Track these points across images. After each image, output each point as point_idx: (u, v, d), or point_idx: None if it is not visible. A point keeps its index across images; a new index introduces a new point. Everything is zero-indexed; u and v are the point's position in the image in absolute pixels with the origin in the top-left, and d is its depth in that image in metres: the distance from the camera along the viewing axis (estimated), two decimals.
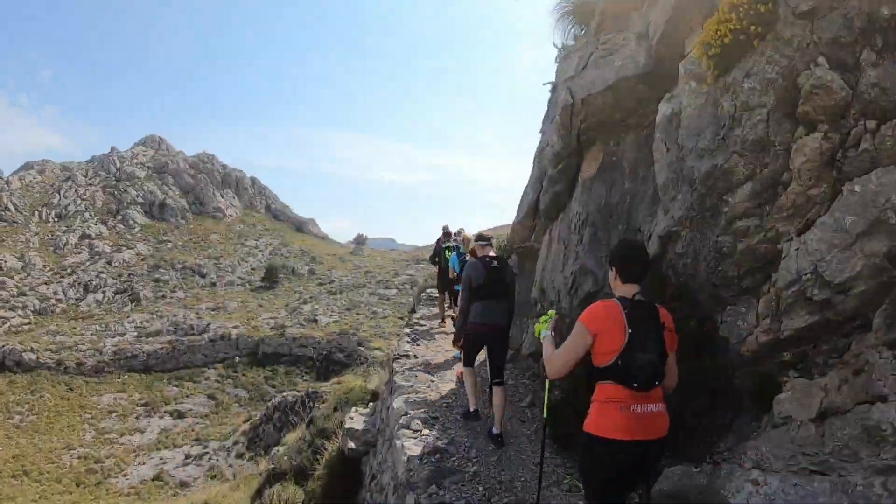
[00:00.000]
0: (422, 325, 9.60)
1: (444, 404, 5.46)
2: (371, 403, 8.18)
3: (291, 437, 15.16)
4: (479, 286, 4.69)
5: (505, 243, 14.00)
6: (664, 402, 2.62)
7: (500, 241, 14.35)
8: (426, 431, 4.61)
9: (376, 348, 36.53)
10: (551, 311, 3.19)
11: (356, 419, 7.03)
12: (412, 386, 5.89)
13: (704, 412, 3.34)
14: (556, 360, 2.65)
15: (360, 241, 75.41)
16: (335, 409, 9.70)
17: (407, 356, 7.28)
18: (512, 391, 5.87)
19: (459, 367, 5.51)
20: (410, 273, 53.77)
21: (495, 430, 4.57)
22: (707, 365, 3.24)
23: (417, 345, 7.97)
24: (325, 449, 7.79)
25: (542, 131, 6.37)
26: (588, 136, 4.59)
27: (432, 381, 6.14)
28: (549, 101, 5.95)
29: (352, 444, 6.34)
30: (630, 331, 2.48)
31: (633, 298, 2.62)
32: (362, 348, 38.46)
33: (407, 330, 9.24)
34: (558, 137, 4.93)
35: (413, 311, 13.43)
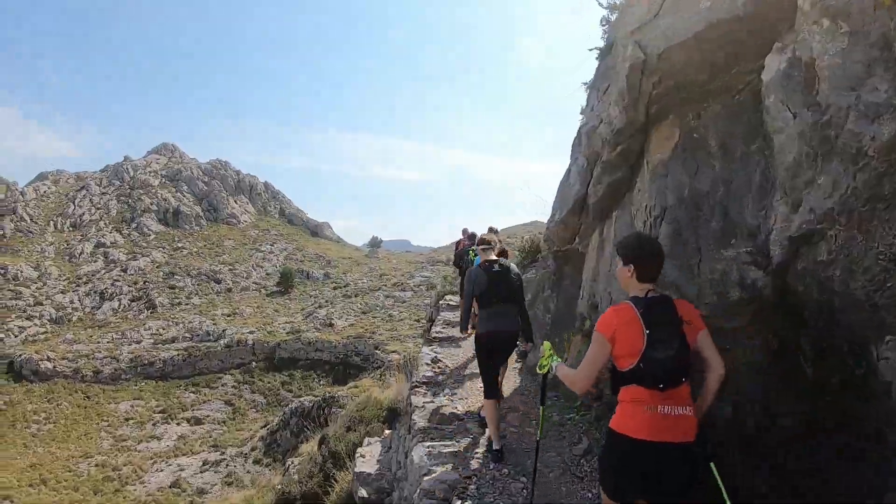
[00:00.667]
0: (443, 338, 8.52)
1: (478, 455, 4.46)
2: (387, 432, 7.10)
3: (306, 449, 14.47)
4: (483, 293, 4.58)
5: (528, 245, 12.95)
6: (692, 404, 2.48)
7: (525, 243, 13.31)
8: (458, 503, 3.67)
9: (392, 351, 35.95)
10: (547, 343, 3.10)
11: (368, 458, 6.06)
12: (436, 428, 4.89)
13: (836, 469, 2.46)
14: (579, 373, 2.62)
15: (374, 243, 74.86)
16: (348, 429, 8.85)
17: (427, 383, 6.24)
18: (557, 431, 4.89)
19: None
20: (426, 275, 53.03)
21: (482, 414, 4.60)
22: (855, 409, 2.33)
23: (438, 366, 6.93)
24: (336, 481, 6.93)
25: (585, 110, 5.36)
26: (660, 107, 3.61)
27: (460, 421, 5.12)
28: (598, 70, 4.90)
29: (363, 493, 5.45)
30: (647, 331, 2.42)
31: (647, 297, 2.54)
32: (378, 352, 37.84)
33: (426, 349, 8.04)
34: (620, 110, 3.94)
35: (431, 320, 12.46)
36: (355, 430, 8.73)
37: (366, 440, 7.07)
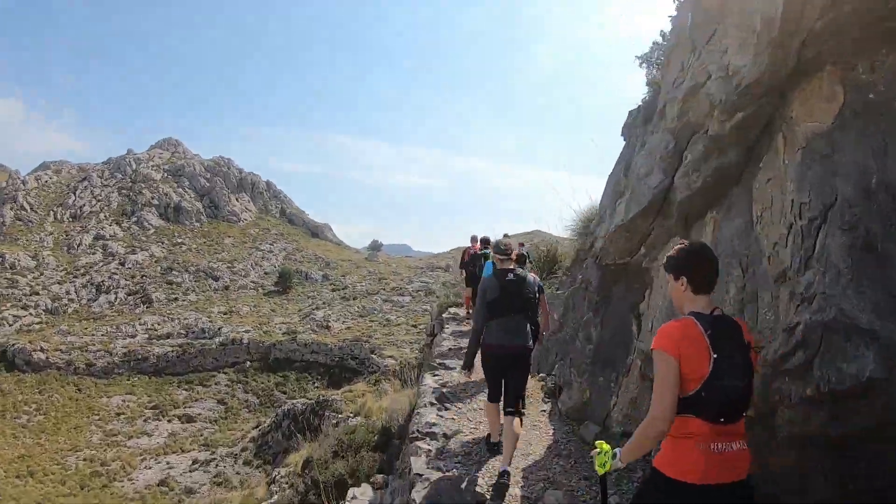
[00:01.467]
0: (449, 363, 7.01)
1: None
2: (378, 478, 5.80)
3: (294, 459, 13.89)
4: (494, 300, 4.25)
5: (545, 256, 12.05)
6: (746, 436, 2.22)
7: (540, 254, 12.44)
8: None
9: (389, 356, 35.72)
10: (605, 445, 2.47)
11: None
12: None
13: None
14: (653, 413, 2.16)
15: (374, 247, 74.72)
16: (335, 454, 8.24)
17: (433, 435, 4.77)
18: None
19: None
20: (425, 280, 52.87)
21: (503, 468, 4.00)
22: None
23: (447, 406, 5.46)
24: None
25: (665, 74, 3.98)
26: (817, 51, 2.61)
27: (477, 489, 3.97)
28: (688, 17, 3.71)
29: None
30: (715, 356, 2.09)
31: (713, 314, 2.21)
32: (374, 356, 37.59)
33: (429, 379, 6.32)
34: (752, 56, 2.78)
35: (433, 334, 11.11)
36: (343, 457, 8.14)
37: (350, 492, 5.61)
